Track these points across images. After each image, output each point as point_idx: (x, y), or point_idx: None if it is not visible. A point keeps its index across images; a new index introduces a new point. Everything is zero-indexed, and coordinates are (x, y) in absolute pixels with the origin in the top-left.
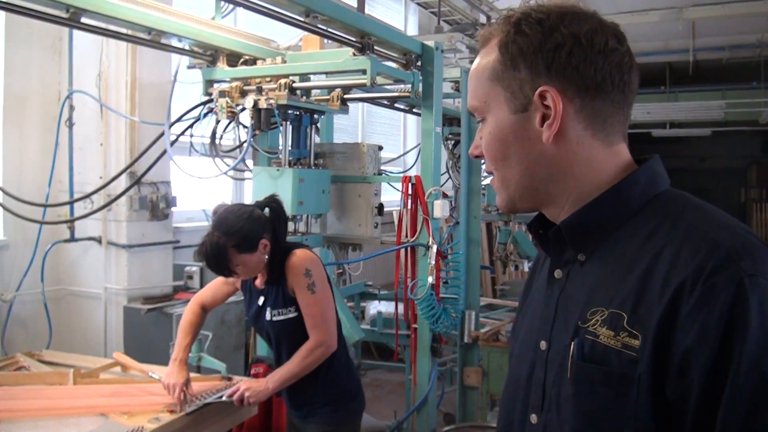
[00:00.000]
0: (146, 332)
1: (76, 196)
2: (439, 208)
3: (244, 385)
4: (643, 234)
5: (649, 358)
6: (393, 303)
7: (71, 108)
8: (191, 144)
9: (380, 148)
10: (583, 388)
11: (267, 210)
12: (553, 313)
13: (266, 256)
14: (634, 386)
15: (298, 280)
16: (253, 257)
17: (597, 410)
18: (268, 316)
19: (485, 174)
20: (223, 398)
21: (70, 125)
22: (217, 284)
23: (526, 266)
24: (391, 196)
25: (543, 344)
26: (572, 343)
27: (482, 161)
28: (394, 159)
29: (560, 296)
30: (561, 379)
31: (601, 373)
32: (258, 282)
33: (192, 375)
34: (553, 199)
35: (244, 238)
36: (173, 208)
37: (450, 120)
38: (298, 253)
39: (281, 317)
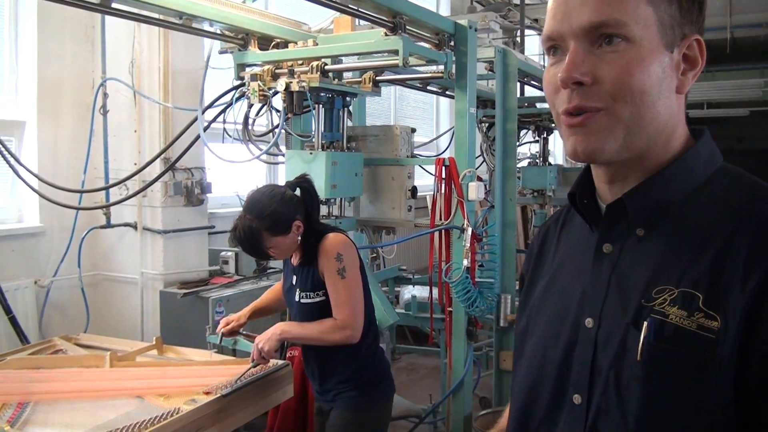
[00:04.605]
0: (183, 316)
1: (111, 182)
2: (474, 190)
3: (256, 340)
4: (714, 212)
5: (733, 342)
6: (427, 287)
7: (105, 95)
8: (224, 129)
9: (413, 130)
10: (656, 370)
11: (298, 190)
12: (604, 290)
13: (299, 238)
14: (714, 369)
15: (329, 263)
16: (287, 239)
17: (670, 393)
18: (296, 297)
19: (521, 156)
20: (252, 369)
21: (104, 112)
22: None
23: None
24: (424, 180)
25: (589, 322)
26: (644, 322)
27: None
28: (426, 143)
29: (613, 272)
30: (622, 360)
31: (678, 355)
32: (294, 260)
33: (227, 358)
34: (641, 157)
35: (277, 221)
36: (208, 194)
37: (484, 102)
38: (331, 237)
39: (309, 300)
